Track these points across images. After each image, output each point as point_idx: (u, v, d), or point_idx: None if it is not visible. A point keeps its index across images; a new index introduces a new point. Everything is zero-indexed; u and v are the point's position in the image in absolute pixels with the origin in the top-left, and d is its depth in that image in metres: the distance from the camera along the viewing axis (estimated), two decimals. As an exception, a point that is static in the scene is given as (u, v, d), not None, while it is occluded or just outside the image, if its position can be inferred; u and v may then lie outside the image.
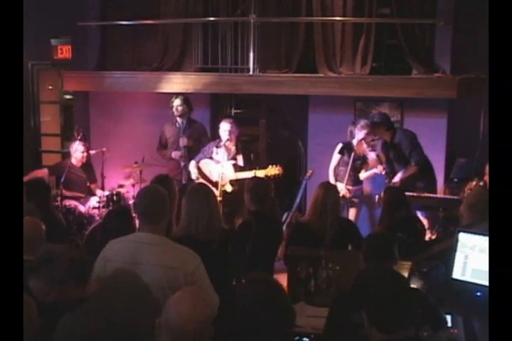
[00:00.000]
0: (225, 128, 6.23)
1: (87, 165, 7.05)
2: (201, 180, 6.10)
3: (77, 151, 6.80)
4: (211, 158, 6.30)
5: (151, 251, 3.10)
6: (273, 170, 5.97)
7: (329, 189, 4.64)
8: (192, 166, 6.37)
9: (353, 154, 6.21)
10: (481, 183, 5.54)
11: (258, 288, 2.59)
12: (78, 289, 2.60)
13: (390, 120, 6.51)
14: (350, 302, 2.98)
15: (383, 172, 6.22)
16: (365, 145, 6.21)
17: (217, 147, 6.27)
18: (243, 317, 2.51)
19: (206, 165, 6.33)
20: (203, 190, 3.93)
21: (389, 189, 5.34)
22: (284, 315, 2.54)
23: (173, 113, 6.76)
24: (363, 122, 6.30)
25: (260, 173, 5.87)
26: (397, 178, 6.23)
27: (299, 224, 4.77)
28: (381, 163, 6.27)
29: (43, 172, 7.16)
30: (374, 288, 2.36)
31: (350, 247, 4.58)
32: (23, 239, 3.12)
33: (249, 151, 6.44)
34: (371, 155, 6.28)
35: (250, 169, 6.08)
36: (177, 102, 6.72)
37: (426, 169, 6.32)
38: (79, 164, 6.87)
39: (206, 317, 2.26)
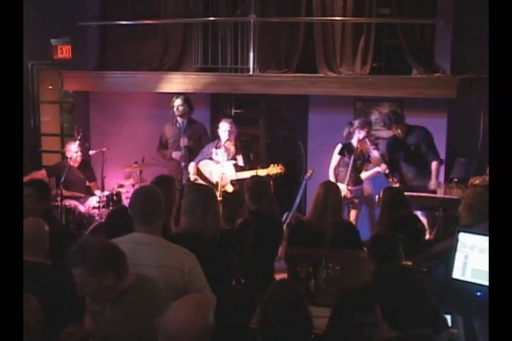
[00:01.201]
0: (224, 128, 6.23)
1: (85, 164, 7.07)
2: (200, 181, 6.11)
3: (71, 152, 6.83)
4: (211, 158, 6.30)
5: (148, 252, 3.10)
6: (275, 169, 5.97)
7: (330, 188, 4.62)
8: (191, 168, 6.38)
9: (353, 155, 6.21)
10: (487, 178, 5.53)
11: (284, 294, 2.61)
12: (117, 279, 2.60)
13: (403, 117, 6.54)
14: (354, 302, 2.99)
15: (386, 171, 6.22)
16: (368, 143, 6.19)
17: (216, 148, 6.26)
18: (266, 319, 2.52)
19: (206, 166, 6.32)
20: (202, 190, 3.93)
21: (388, 189, 5.33)
22: (304, 322, 2.55)
23: (173, 113, 6.76)
24: (360, 121, 6.31)
25: (262, 172, 5.86)
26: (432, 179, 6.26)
27: (300, 224, 4.76)
28: (384, 162, 6.26)
29: (41, 174, 7.18)
30: (391, 285, 2.38)
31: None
32: (27, 239, 3.15)
33: (248, 151, 6.43)
34: (374, 154, 6.25)
35: (251, 168, 6.08)
36: (178, 102, 6.71)
37: (425, 169, 6.33)
38: (75, 164, 6.89)
39: (205, 327, 2.22)
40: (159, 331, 2.23)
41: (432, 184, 6.23)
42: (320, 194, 4.52)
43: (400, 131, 6.38)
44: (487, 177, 5.50)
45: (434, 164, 6.28)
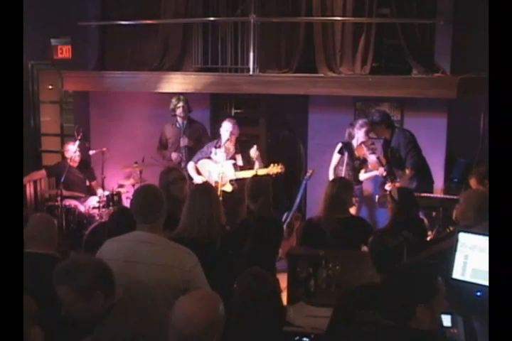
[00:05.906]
0: (226, 128, 6.23)
1: (84, 163, 7.08)
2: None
3: (69, 151, 6.84)
4: (209, 158, 6.30)
5: (148, 250, 3.10)
6: (275, 169, 5.97)
7: (338, 183, 4.61)
8: (190, 168, 6.37)
9: (352, 154, 6.20)
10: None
11: (249, 282, 2.66)
12: (105, 299, 2.58)
13: (390, 118, 6.49)
14: (357, 300, 2.99)
15: (384, 174, 6.19)
16: (365, 149, 6.17)
17: (216, 147, 6.26)
18: (237, 311, 2.55)
19: (205, 165, 6.32)
20: (205, 190, 3.93)
21: (401, 189, 5.31)
22: (275, 310, 2.57)
23: (174, 115, 6.76)
24: (361, 121, 6.30)
25: (262, 172, 5.87)
26: (397, 184, 6.16)
27: (311, 223, 4.72)
28: (382, 166, 6.24)
29: (41, 174, 7.19)
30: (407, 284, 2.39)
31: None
32: (37, 233, 3.28)
33: (248, 151, 6.43)
34: (372, 158, 6.23)
35: (251, 168, 6.08)
36: (177, 103, 6.71)
37: (422, 170, 6.29)
38: (75, 164, 6.90)
39: (209, 322, 2.22)
40: (170, 325, 2.25)
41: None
42: (329, 191, 4.49)
43: (386, 131, 6.29)
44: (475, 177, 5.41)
45: (406, 171, 6.14)
